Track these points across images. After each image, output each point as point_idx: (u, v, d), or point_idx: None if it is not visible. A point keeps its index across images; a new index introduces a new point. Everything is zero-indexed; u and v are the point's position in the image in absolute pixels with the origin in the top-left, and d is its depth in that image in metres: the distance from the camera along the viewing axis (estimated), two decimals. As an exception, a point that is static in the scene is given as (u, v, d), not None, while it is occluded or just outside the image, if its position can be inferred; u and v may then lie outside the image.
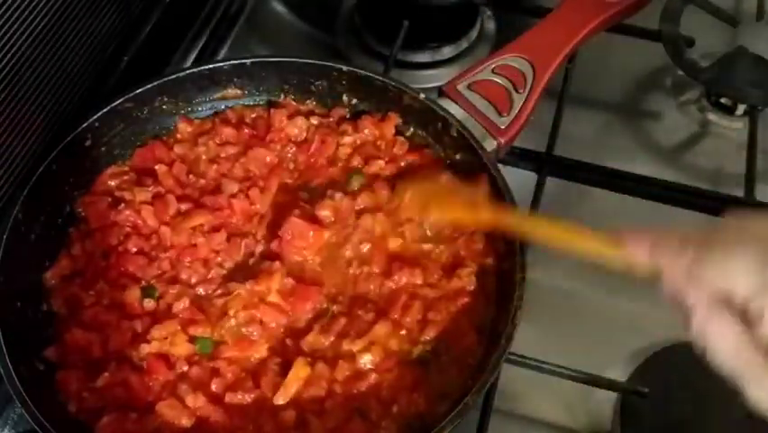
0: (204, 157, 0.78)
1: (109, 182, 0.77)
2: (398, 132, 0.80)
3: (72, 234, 0.74)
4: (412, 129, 0.80)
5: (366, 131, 0.80)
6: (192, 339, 0.68)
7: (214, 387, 0.66)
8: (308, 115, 0.82)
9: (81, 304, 0.70)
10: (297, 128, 0.80)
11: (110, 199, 0.75)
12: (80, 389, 0.66)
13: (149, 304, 0.70)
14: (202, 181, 0.77)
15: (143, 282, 0.71)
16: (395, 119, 0.80)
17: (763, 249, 0.42)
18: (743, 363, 0.42)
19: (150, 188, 0.76)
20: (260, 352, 0.68)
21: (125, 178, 0.78)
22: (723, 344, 0.43)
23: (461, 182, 0.73)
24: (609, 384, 0.73)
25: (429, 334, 0.68)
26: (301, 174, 0.79)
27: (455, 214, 0.71)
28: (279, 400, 0.65)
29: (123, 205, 0.74)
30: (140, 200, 0.74)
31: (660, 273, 0.47)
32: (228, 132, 0.80)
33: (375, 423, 0.64)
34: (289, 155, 0.79)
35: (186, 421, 0.64)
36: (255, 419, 0.64)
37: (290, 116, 0.81)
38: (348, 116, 0.82)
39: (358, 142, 0.79)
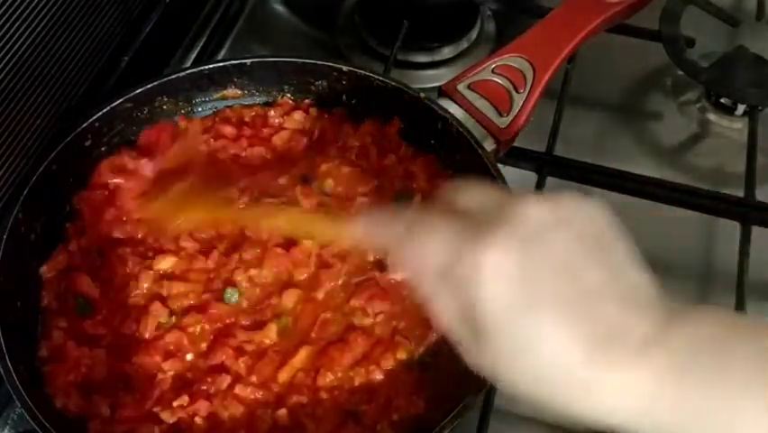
0: None
1: (107, 172, 0.75)
2: (400, 134, 0.80)
3: (69, 230, 0.74)
4: (412, 129, 0.80)
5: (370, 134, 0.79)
6: None
7: None
8: (307, 109, 0.82)
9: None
10: (295, 121, 0.80)
11: (106, 193, 0.74)
12: (68, 385, 0.65)
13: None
14: None
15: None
16: (397, 124, 0.79)
17: (460, 223, 0.46)
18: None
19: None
20: (271, 337, 0.68)
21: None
22: (446, 311, 0.46)
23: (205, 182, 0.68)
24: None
25: (431, 338, 0.67)
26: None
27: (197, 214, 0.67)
28: (282, 376, 0.65)
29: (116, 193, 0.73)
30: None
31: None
32: (227, 132, 0.79)
33: (371, 426, 0.64)
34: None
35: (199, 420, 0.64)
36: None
37: (287, 113, 0.81)
38: (348, 116, 0.82)
39: (357, 144, 0.79)
